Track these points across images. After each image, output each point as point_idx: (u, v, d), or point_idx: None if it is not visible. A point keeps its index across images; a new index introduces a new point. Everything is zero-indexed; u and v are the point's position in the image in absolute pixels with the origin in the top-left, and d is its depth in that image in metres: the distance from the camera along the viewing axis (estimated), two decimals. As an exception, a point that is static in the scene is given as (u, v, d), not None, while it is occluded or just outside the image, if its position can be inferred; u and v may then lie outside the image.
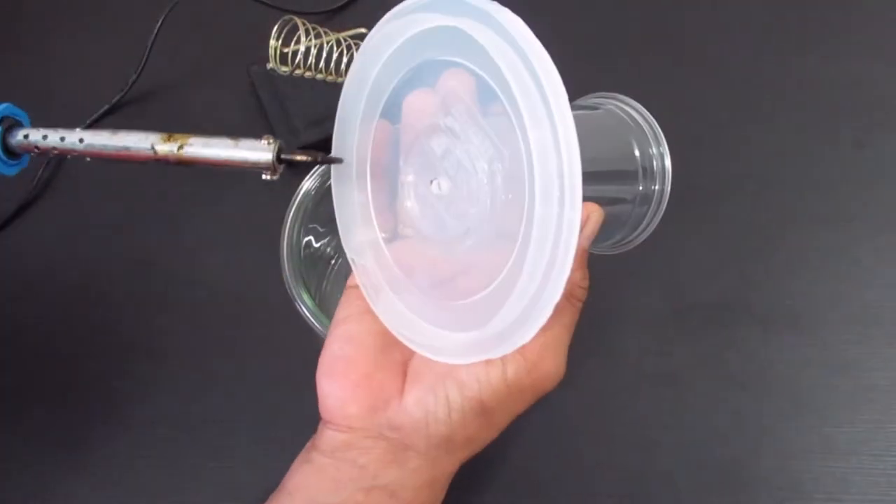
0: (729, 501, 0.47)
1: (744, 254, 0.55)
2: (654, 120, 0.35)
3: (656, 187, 0.35)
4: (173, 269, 0.56)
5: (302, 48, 0.54)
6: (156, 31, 0.61)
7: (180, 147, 0.31)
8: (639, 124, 0.35)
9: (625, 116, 0.36)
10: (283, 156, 0.31)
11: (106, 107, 0.62)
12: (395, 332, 0.34)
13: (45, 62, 0.65)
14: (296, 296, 0.42)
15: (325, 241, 0.49)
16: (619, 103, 0.36)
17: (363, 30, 0.59)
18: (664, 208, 0.35)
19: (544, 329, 0.28)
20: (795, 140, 0.59)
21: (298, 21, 0.54)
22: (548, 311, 0.27)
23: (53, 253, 0.57)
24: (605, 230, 0.34)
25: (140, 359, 0.52)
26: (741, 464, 0.47)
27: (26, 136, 0.33)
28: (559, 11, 0.67)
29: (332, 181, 0.37)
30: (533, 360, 0.32)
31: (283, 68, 0.55)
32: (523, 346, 0.29)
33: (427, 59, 0.32)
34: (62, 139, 0.32)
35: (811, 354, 0.51)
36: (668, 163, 0.35)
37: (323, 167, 0.45)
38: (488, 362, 0.31)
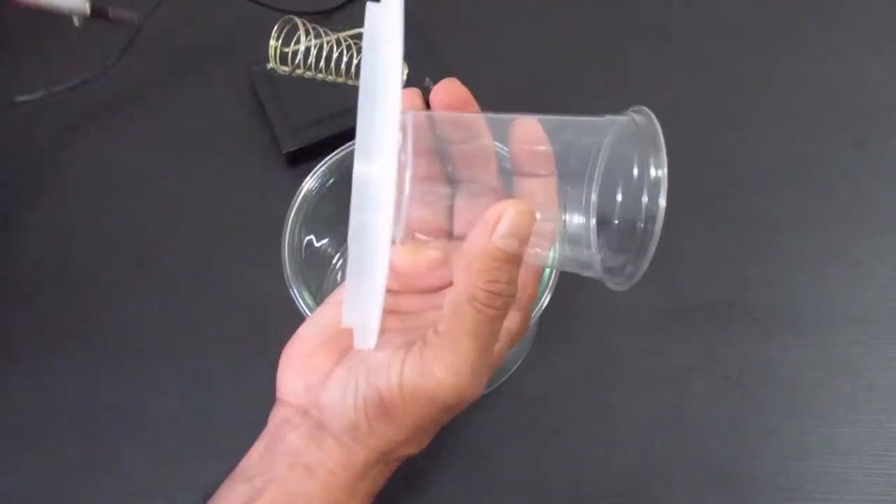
0: (728, 501, 0.47)
1: (744, 254, 0.55)
2: (658, 131, 0.30)
3: (645, 200, 0.30)
4: (174, 268, 0.56)
5: (302, 48, 0.54)
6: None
7: None
8: (639, 133, 0.31)
9: (628, 123, 0.31)
10: (97, 5, 0.32)
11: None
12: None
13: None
14: (297, 295, 0.42)
15: (327, 240, 0.49)
16: (634, 114, 0.31)
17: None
18: (658, 228, 0.29)
19: (445, 334, 0.30)
20: (794, 140, 0.59)
21: (298, 21, 0.54)
22: (373, 295, 0.28)
23: (52, 254, 0.57)
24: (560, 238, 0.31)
25: (139, 358, 0.52)
26: (741, 464, 0.47)
27: None
28: (553, 12, 0.67)
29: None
30: (428, 363, 0.30)
31: (283, 68, 0.55)
32: (426, 348, 0.30)
33: None
34: None
35: (811, 354, 0.51)
36: (659, 173, 0.29)
37: (325, 167, 0.45)
38: (394, 355, 0.31)
